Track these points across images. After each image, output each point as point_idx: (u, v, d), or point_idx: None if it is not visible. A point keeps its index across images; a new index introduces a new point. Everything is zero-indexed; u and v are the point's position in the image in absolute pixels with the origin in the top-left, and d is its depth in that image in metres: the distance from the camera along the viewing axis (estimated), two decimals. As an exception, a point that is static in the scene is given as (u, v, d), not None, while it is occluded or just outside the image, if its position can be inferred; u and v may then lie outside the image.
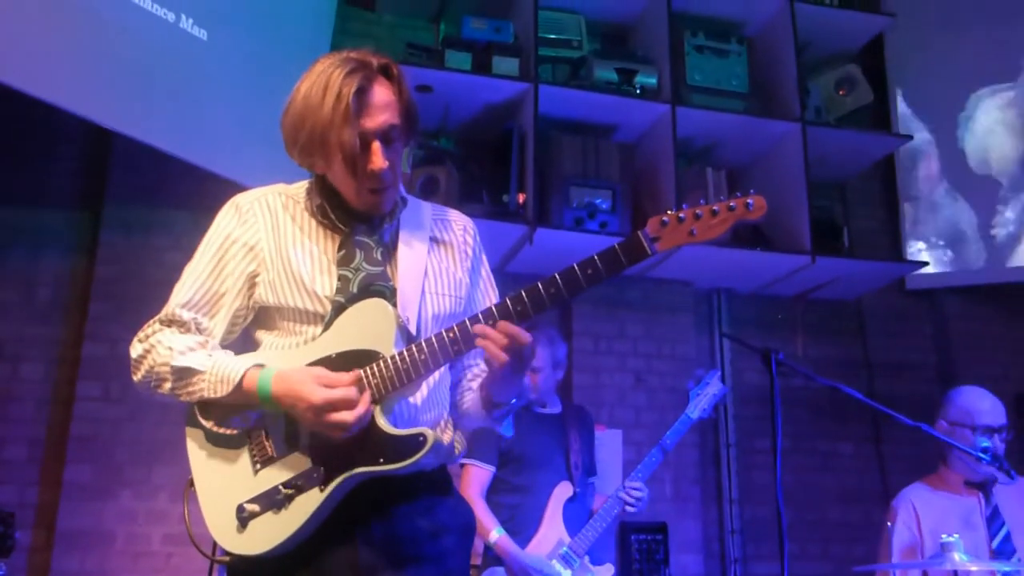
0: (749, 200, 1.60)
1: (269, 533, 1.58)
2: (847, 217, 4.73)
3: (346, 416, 1.53)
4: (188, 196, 3.45)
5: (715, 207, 1.59)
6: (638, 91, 4.07)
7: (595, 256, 1.58)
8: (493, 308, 1.59)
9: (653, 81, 4.13)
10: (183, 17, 3.33)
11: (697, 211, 1.59)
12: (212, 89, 3.38)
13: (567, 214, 3.84)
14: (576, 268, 1.58)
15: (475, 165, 4.01)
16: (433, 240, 1.80)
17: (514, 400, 1.69)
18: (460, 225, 1.86)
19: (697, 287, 4.34)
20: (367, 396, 1.56)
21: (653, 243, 1.59)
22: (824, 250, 4.06)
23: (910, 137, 4.62)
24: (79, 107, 3.04)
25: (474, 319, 1.60)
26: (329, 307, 1.64)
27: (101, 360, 3.41)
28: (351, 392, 1.55)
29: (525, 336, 1.56)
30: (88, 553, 3.24)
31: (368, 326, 1.62)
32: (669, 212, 1.60)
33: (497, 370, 1.59)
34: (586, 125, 4.19)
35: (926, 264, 4.41)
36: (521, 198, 3.78)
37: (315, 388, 1.54)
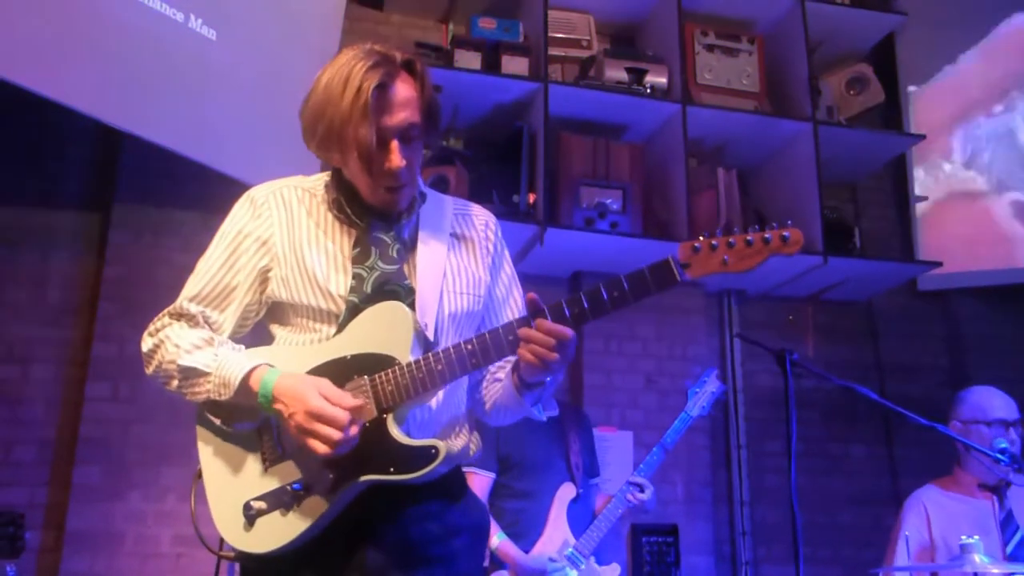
0: (785, 232, 1.57)
1: (276, 532, 1.57)
2: (858, 217, 4.70)
3: (332, 433, 1.50)
4: (197, 197, 3.44)
5: (749, 237, 1.56)
6: (648, 90, 4.05)
7: (622, 277, 1.56)
8: (515, 327, 1.57)
9: (663, 80, 4.10)
10: (192, 17, 3.32)
11: (731, 240, 1.56)
12: (221, 89, 3.38)
13: (577, 214, 3.82)
14: (603, 289, 1.56)
15: (485, 165, 4.00)
16: (454, 236, 1.77)
17: (548, 379, 1.65)
18: (482, 221, 1.83)
19: (708, 288, 4.31)
20: (356, 428, 1.53)
21: (684, 270, 1.56)
22: (836, 250, 4.04)
23: (922, 136, 4.59)
24: (88, 107, 3.03)
25: (494, 334, 1.58)
26: (343, 306, 1.62)
27: (110, 361, 3.39)
28: (344, 415, 1.51)
29: (570, 332, 1.54)
30: (97, 554, 3.23)
31: (384, 330, 1.60)
32: (702, 238, 1.57)
33: (539, 367, 1.56)
34: (596, 125, 4.16)
35: (939, 264, 4.38)
36: (531, 198, 3.76)
37: (315, 394, 1.52)
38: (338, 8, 3.87)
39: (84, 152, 3.66)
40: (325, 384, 1.55)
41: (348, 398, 1.54)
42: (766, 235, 1.56)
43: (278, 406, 1.54)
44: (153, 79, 3.17)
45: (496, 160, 4.03)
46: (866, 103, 4.54)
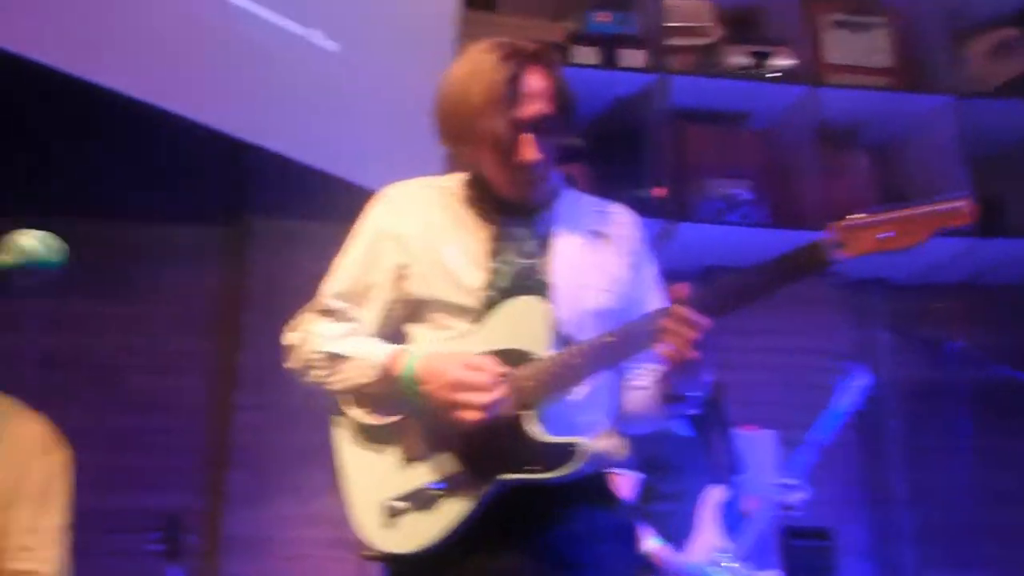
0: (956, 203, 1.39)
1: (416, 533, 1.56)
2: (1011, 194, 4.36)
3: (477, 398, 1.48)
4: (327, 207, 3.51)
5: (914, 210, 1.41)
6: (773, 74, 3.91)
7: (770, 262, 1.46)
8: (657, 316, 1.51)
9: (789, 63, 3.95)
10: (313, 31, 3.41)
11: (891, 215, 1.42)
12: (344, 100, 3.46)
13: (705, 207, 3.74)
14: (748, 275, 1.48)
15: (606, 161, 3.94)
16: (592, 233, 1.72)
17: (697, 393, 1.59)
18: (622, 218, 1.79)
19: (849, 277, 4.10)
20: (504, 388, 1.51)
21: (837, 250, 1.44)
22: (988, 231, 3.76)
23: (1081, 101, 4.22)
24: (220, 123, 3.15)
25: (635, 324, 1.53)
26: (479, 301, 1.61)
27: (256, 370, 3.52)
28: (487, 378, 1.50)
29: (707, 321, 1.46)
30: (251, 557, 3.35)
31: (521, 324, 1.58)
32: (855, 215, 1.44)
33: (679, 365, 1.50)
34: (720, 113, 4.06)
35: (1106, 241, 4.02)
36: (659, 192, 3.69)
37: (455, 366, 1.51)
38: (452, 13, 3.90)
39: (219, 169, 3.79)
40: (463, 355, 1.54)
41: (490, 362, 1.52)
42: (935, 207, 1.40)
43: (422, 388, 1.54)
44: (280, 93, 3.28)
45: (618, 156, 3.97)
46: (1015, 70, 4.22)
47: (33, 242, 1.07)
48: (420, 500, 1.57)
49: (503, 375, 1.52)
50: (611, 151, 3.99)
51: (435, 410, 1.54)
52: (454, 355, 1.54)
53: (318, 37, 3.41)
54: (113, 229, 3.57)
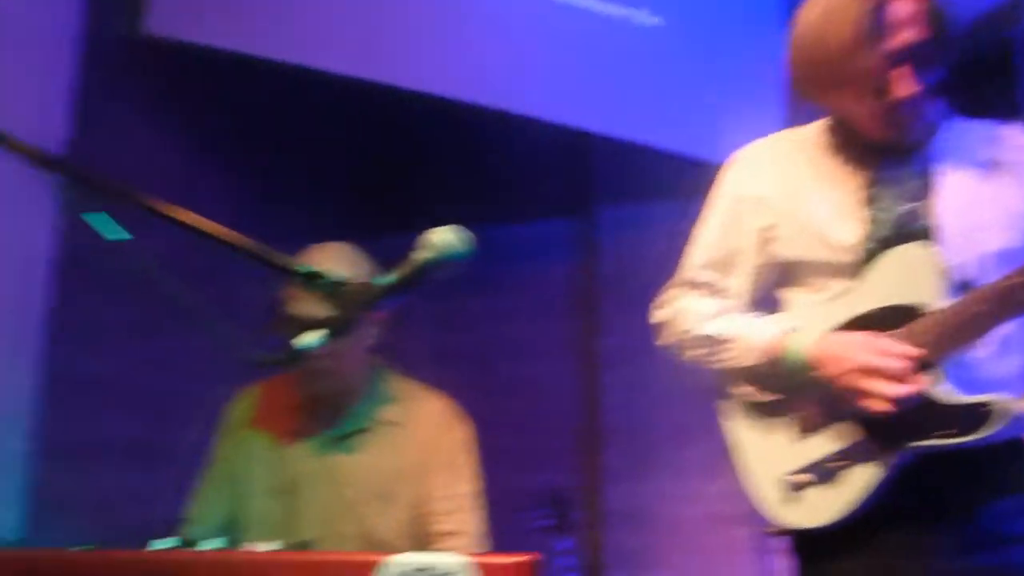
0: None
1: (821, 507, 1.49)
2: None
3: (891, 388, 1.36)
4: (668, 186, 3.50)
5: None
6: None
7: None
8: None
9: None
10: (638, 10, 3.42)
11: None
12: (674, 73, 3.44)
13: (1111, 125, 3.15)
14: None
15: (970, 91, 3.49)
16: (984, 163, 1.54)
17: None
18: (1019, 140, 1.58)
19: None
20: (922, 378, 1.38)
21: None
22: None
23: None
24: (557, 116, 3.30)
25: None
26: (856, 256, 1.50)
27: (619, 351, 3.62)
28: (902, 364, 1.38)
29: None
30: (632, 531, 3.48)
31: (908, 276, 1.45)
32: None
33: None
34: (1116, 9, 3.39)
35: None
36: (1043, 115, 3.19)
37: (861, 351, 1.41)
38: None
39: (564, 162, 3.96)
40: (868, 338, 1.43)
41: (901, 346, 1.40)
42: None
43: (818, 371, 1.46)
44: (613, 78, 3.34)
45: (987, 83, 3.50)
46: None
47: (447, 236, 1.18)
48: (820, 473, 1.50)
49: (919, 358, 1.39)
50: (978, 79, 3.54)
51: (832, 392, 1.47)
52: (858, 339, 1.44)
53: (643, 16, 3.42)
54: (475, 231, 3.88)
